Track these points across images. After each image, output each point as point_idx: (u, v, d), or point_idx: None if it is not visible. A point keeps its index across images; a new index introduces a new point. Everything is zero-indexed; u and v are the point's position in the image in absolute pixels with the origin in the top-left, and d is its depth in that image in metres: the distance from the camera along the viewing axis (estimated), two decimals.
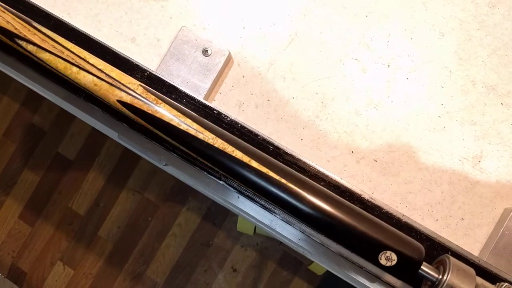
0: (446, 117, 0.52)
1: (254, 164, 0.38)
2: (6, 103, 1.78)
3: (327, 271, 1.26)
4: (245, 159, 0.39)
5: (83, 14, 0.58)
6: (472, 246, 0.50)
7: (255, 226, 1.18)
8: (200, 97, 0.49)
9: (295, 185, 0.38)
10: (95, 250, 1.64)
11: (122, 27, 0.57)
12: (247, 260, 1.52)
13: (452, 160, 0.51)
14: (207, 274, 1.55)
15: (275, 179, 0.38)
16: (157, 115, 0.42)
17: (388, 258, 0.35)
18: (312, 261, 1.16)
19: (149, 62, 0.57)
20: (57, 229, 1.68)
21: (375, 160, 0.52)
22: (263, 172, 0.38)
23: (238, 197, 0.49)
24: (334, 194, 0.39)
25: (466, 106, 0.52)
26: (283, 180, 0.38)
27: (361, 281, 0.46)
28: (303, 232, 0.45)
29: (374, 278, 0.44)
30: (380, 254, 0.36)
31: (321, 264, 0.50)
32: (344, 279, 0.51)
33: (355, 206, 0.38)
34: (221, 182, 0.47)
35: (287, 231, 0.47)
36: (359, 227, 0.35)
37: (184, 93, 0.48)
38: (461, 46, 0.52)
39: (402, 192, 0.52)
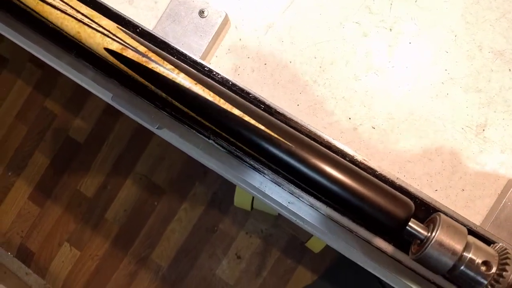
0: (449, 84, 0.49)
1: (237, 112, 0.37)
2: (19, 86, 1.80)
3: (326, 256, 1.24)
4: (229, 108, 0.37)
5: None
6: (473, 218, 0.47)
7: (252, 201, 1.15)
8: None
9: (281, 136, 0.36)
10: (101, 232, 1.65)
11: None
12: (252, 247, 1.50)
13: (455, 128, 0.49)
14: (211, 260, 1.54)
15: (262, 130, 0.37)
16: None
17: None
18: (309, 238, 1.14)
19: (146, 24, 0.56)
20: (65, 211, 1.70)
21: (373, 127, 0.50)
22: (248, 122, 0.37)
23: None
24: (321, 147, 0.37)
25: (471, 72, 0.49)
26: (270, 131, 0.36)
27: (353, 246, 0.44)
28: (292, 194, 0.43)
29: (366, 244, 0.42)
30: None
31: (312, 231, 0.48)
32: (337, 249, 0.49)
33: (341, 158, 0.36)
34: (210, 141, 0.45)
35: (277, 194, 0.45)
36: (340, 177, 0.33)
37: (176, 49, 0.47)
38: (468, 9, 0.50)
39: (400, 161, 0.49)
